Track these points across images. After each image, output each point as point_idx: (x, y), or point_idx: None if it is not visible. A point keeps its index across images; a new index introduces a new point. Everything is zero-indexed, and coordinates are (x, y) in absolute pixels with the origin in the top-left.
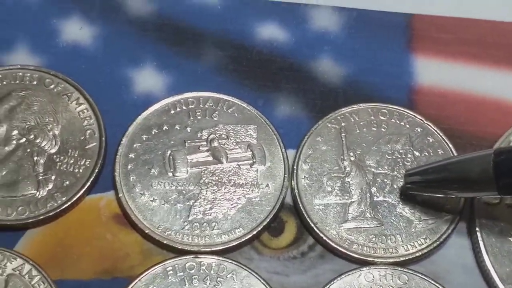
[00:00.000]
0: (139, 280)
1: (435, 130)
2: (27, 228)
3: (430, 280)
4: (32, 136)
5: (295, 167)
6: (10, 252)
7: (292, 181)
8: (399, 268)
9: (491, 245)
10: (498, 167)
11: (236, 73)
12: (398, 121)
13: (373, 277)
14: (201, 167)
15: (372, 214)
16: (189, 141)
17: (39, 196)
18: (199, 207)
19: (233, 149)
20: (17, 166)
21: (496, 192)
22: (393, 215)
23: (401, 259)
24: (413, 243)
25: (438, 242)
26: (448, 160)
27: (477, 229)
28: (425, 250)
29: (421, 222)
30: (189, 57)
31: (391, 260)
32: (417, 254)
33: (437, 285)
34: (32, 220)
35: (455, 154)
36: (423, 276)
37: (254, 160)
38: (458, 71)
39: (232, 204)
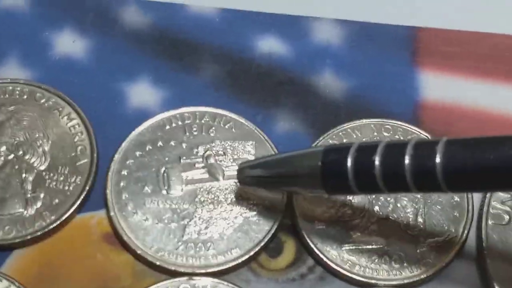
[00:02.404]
0: None
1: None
2: (13, 248)
3: None
4: (20, 152)
5: None
6: None
7: (292, 200)
8: None
9: (498, 270)
10: (325, 168)
11: (234, 88)
12: (402, 137)
13: None
14: (196, 184)
15: (375, 234)
16: (184, 158)
17: (27, 215)
18: (194, 226)
19: (230, 166)
20: (4, 184)
21: (324, 191)
22: (397, 234)
23: (405, 281)
24: (419, 264)
25: (444, 263)
26: (280, 156)
27: (485, 252)
28: (431, 272)
29: (426, 243)
30: (186, 71)
31: (395, 283)
32: (422, 276)
33: None
34: (19, 240)
35: None
36: None
37: None
38: (465, 85)
39: (228, 224)
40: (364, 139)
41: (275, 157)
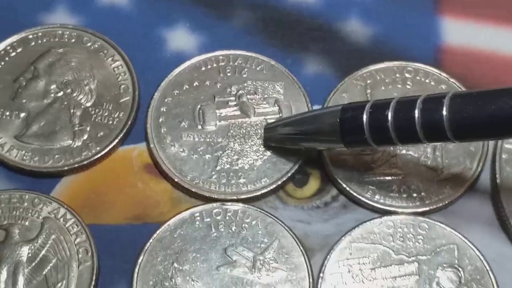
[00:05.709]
0: (167, 225)
1: (460, 88)
2: (62, 175)
3: (450, 229)
4: (69, 90)
5: None
6: (46, 197)
7: None
8: (420, 217)
9: (511, 201)
10: (343, 124)
11: (266, 34)
12: (423, 79)
13: (394, 225)
14: (229, 120)
15: (395, 166)
16: (218, 96)
17: (75, 146)
18: (227, 158)
19: (260, 104)
20: (54, 118)
21: (343, 146)
22: (416, 166)
23: (423, 209)
24: (435, 194)
25: (459, 193)
26: (304, 115)
27: (498, 181)
28: (447, 201)
29: (443, 175)
30: (220, 18)
31: (412, 210)
32: (439, 204)
33: (457, 234)
34: (67, 167)
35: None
36: (443, 226)
37: (281, 115)
38: (485, 31)
39: (258, 156)
40: (387, 80)
41: (297, 117)
